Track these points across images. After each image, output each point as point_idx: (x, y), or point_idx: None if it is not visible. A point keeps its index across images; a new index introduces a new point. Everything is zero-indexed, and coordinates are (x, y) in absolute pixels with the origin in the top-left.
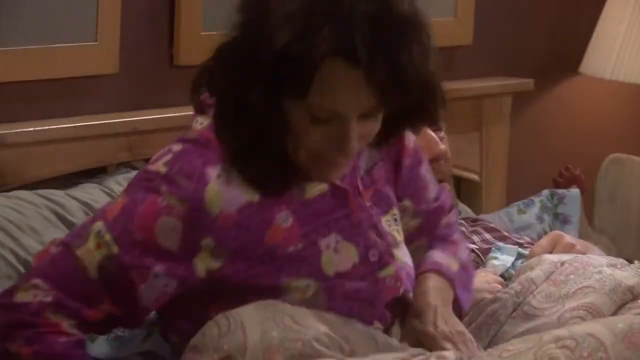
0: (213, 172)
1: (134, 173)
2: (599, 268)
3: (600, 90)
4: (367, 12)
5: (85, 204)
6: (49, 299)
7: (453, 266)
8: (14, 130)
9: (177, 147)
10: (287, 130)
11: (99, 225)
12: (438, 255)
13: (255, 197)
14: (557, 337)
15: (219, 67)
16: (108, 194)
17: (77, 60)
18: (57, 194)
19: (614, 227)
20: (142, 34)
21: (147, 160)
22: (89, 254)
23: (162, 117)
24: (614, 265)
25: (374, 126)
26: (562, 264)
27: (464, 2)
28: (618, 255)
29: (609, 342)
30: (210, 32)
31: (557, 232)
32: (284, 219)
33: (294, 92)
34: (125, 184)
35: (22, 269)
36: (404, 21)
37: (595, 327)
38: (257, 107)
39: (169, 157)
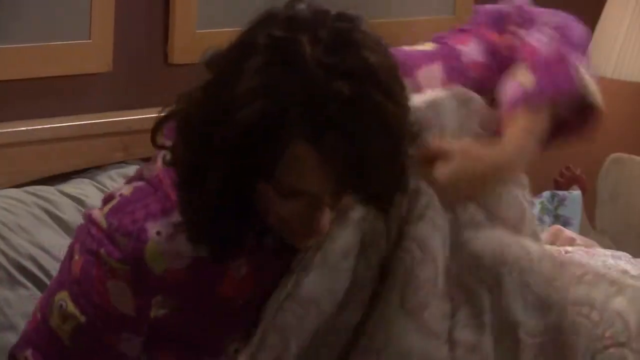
0: (153, 228)
1: (127, 168)
2: (604, 258)
3: (601, 89)
4: (341, 95)
5: (76, 199)
6: None
7: (525, 80)
8: (4, 130)
9: (126, 190)
10: (253, 204)
11: (61, 296)
12: (506, 84)
13: (203, 251)
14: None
15: (181, 134)
16: (100, 190)
17: (70, 59)
18: (47, 191)
19: (615, 227)
20: (136, 32)
21: (142, 160)
22: (59, 327)
23: (157, 116)
24: (618, 257)
25: (349, 200)
26: (566, 252)
27: (463, 1)
28: None
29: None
30: (205, 31)
31: (557, 226)
32: (237, 268)
33: (259, 172)
34: (118, 180)
35: (12, 270)
36: (379, 110)
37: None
38: (220, 185)
39: (114, 203)
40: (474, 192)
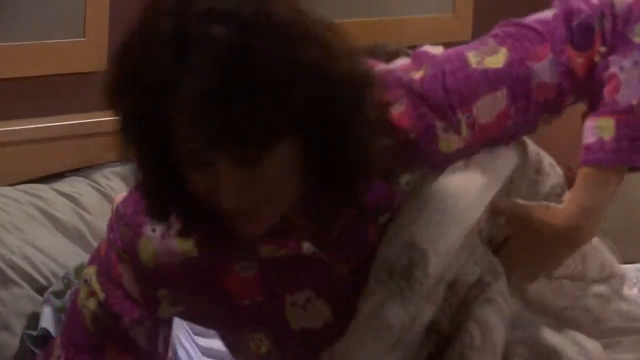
0: (150, 223)
1: (122, 166)
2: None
3: None
4: (211, 39)
5: (71, 198)
6: (62, 359)
7: (606, 133)
8: None
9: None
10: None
11: (89, 271)
12: (586, 132)
13: (194, 252)
14: None
15: None
16: (95, 188)
17: (64, 57)
18: (41, 189)
19: (617, 227)
20: None
21: None
22: (84, 305)
23: None
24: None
25: (263, 175)
26: None
27: None
28: (621, 256)
29: None
30: None
31: None
32: (244, 268)
33: (153, 132)
34: (112, 178)
35: (6, 269)
36: (255, 61)
37: None
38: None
39: (132, 188)
40: (540, 264)
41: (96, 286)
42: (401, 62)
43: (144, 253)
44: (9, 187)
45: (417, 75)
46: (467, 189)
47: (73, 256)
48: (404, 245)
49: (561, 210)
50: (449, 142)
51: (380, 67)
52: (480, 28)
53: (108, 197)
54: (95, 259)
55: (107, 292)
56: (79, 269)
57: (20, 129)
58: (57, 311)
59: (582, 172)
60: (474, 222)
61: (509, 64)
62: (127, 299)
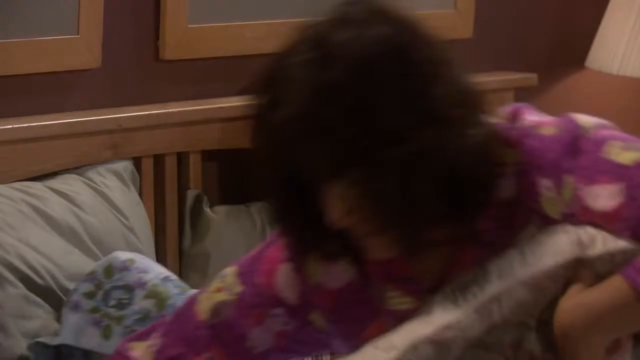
0: None
1: (117, 164)
2: None
3: (607, 86)
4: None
5: (65, 196)
6: (154, 348)
7: None
8: None
9: None
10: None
11: (229, 270)
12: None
13: (356, 275)
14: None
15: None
16: (89, 186)
17: (58, 55)
18: (34, 187)
19: None
20: (126, 26)
21: (132, 159)
22: (208, 297)
23: (148, 113)
24: None
25: (356, 194)
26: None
27: None
28: None
29: None
30: (197, 25)
31: None
32: (385, 320)
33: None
34: (107, 176)
35: (2, 269)
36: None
37: None
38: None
39: None
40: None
41: (233, 282)
42: (543, 117)
43: (312, 265)
44: (2, 185)
45: (545, 131)
46: (555, 240)
47: (68, 255)
48: (477, 269)
49: (564, 301)
50: (552, 202)
51: (525, 120)
52: (481, 24)
53: (102, 195)
54: (244, 260)
55: (245, 284)
56: (109, 269)
57: (14, 127)
58: (91, 312)
59: (613, 278)
60: (543, 272)
61: (638, 165)
62: (269, 299)
